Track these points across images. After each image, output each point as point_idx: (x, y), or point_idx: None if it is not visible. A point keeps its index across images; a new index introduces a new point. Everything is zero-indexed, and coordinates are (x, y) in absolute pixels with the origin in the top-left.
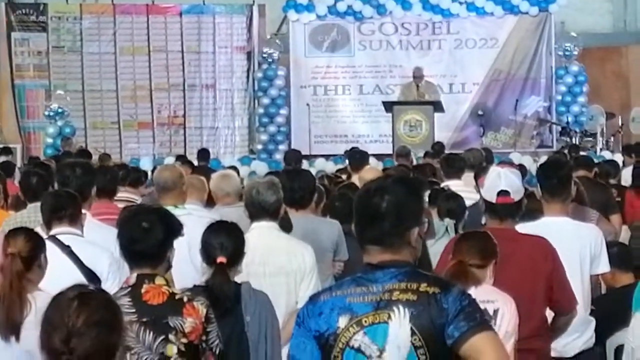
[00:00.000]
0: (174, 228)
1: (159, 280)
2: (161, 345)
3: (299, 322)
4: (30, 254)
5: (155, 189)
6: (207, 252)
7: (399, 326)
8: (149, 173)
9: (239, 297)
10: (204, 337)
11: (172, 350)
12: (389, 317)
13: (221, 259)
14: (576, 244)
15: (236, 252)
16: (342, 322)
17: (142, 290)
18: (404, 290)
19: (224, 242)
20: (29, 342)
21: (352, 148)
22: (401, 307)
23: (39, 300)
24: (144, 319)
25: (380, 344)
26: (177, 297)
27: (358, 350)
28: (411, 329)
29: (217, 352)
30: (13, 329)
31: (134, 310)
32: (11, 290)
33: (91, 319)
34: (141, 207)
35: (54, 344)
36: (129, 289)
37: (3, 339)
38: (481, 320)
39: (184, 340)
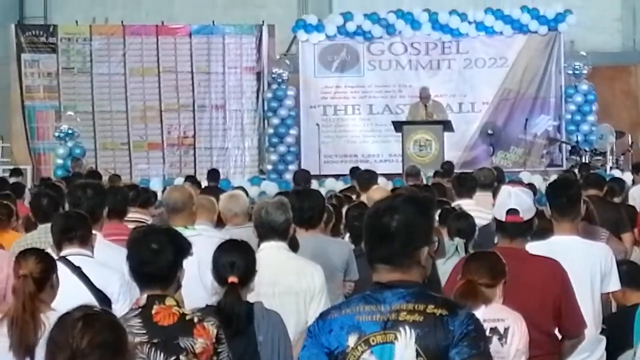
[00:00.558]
0: (184, 248)
1: (170, 301)
2: None
3: (311, 335)
4: (42, 275)
5: (165, 210)
6: (219, 272)
7: (405, 347)
8: (159, 193)
9: (251, 316)
10: (214, 358)
11: None
12: (396, 337)
13: (232, 279)
14: (586, 262)
15: (248, 271)
16: (351, 340)
17: (153, 312)
18: (410, 312)
19: (235, 262)
20: None
21: (356, 167)
22: (407, 328)
23: (52, 320)
24: (155, 340)
25: None
26: (187, 317)
27: None
28: (416, 350)
29: None
30: (27, 350)
31: (144, 332)
32: (24, 312)
33: (95, 341)
34: (150, 227)
35: None
36: (140, 310)
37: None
38: (484, 350)
39: None
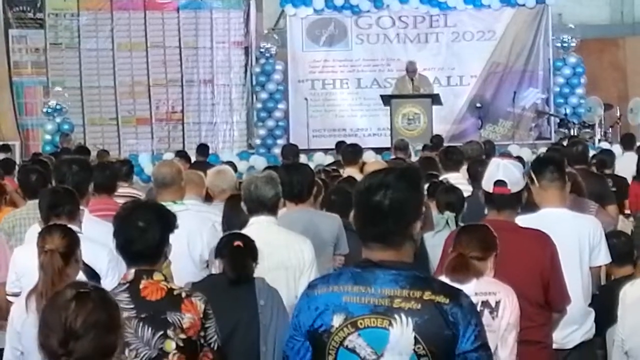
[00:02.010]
0: (170, 223)
1: (157, 276)
2: (160, 341)
3: (294, 314)
4: (68, 250)
5: (153, 185)
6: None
7: (401, 334)
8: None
9: (252, 284)
10: (202, 333)
11: (170, 345)
12: (390, 324)
13: (238, 243)
14: (575, 235)
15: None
16: (337, 321)
17: (141, 286)
18: (406, 299)
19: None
20: None
21: (342, 142)
22: (403, 316)
23: None
24: (143, 315)
25: (378, 349)
26: (175, 292)
27: (352, 351)
28: (415, 337)
29: (216, 347)
30: None
31: (132, 306)
32: (53, 287)
33: (89, 321)
34: (136, 204)
35: (52, 346)
36: (127, 284)
37: None
38: (486, 339)
39: (182, 335)
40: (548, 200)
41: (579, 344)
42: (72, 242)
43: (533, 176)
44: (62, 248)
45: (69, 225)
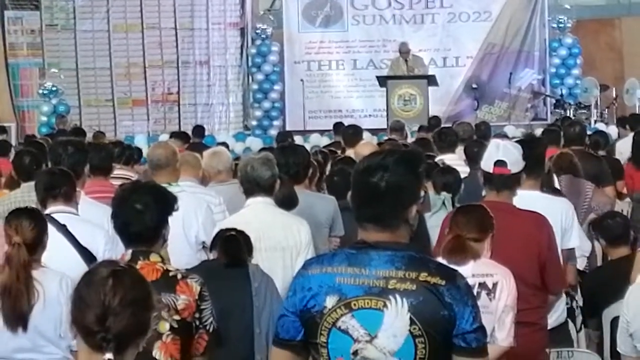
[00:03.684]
0: (169, 205)
1: (154, 257)
2: (154, 322)
3: (288, 293)
4: (36, 240)
5: (148, 167)
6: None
7: (396, 315)
8: (144, 150)
9: (246, 268)
10: (197, 315)
11: (164, 326)
12: (385, 305)
13: (231, 232)
14: (547, 217)
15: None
16: (330, 302)
17: (137, 267)
18: (401, 279)
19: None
20: (41, 327)
21: (340, 123)
22: (398, 297)
23: (45, 280)
24: None
25: (372, 330)
26: (171, 274)
27: (345, 331)
28: (410, 318)
29: (211, 330)
30: (19, 320)
31: None
32: (18, 282)
33: (127, 298)
34: (135, 185)
35: (89, 323)
36: None
37: (10, 330)
38: (481, 321)
39: (177, 317)
40: (524, 184)
41: (551, 329)
42: (41, 231)
43: None
44: (30, 240)
45: (36, 209)
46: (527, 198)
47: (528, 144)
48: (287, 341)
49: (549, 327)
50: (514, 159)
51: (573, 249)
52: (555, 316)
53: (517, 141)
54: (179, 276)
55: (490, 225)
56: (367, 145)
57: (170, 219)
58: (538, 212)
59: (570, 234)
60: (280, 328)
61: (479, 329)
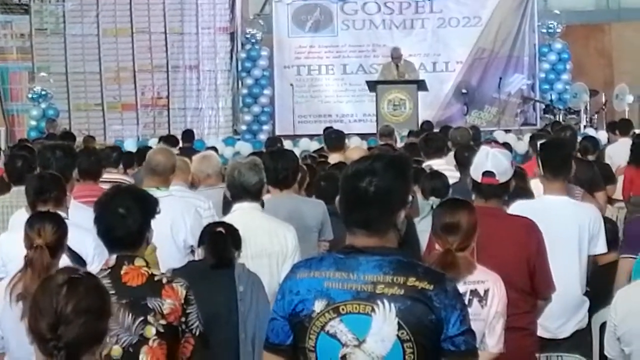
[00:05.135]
0: (151, 209)
1: (139, 262)
2: (140, 327)
3: (277, 297)
4: (58, 243)
5: (144, 168)
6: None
7: (384, 320)
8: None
9: (232, 270)
10: (183, 319)
11: (150, 331)
12: (373, 310)
13: (219, 229)
14: (575, 223)
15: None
16: (318, 306)
17: (122, 272)
18: (389, 284)
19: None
20: None
21: (329, 127)
22: (386, 302)
23: None
24: (123, 301)
25: (360, 335)
26: (156, 278)
27: (333, 336)
28: (398, 323)
29: (197, 333)
30: None
31: (113, 292)
32: None
33: (80, 306)
34: (116, 189)
35: (42, 330)
36: (109, 270)
37: None
38: (470, 324)
39: (163, 321)
40: (551, 187)
41: (572, 333)
42: (63, 234)
43: (539, 162)
44: (52, 242)
45: (58, 212)
46: (555, 204)
47: (555, 146)
48: (277, 345)
49: (569, 333)
50: (503, 169)
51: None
52: (576, 321)
53: (542, 144)
54: (165, 280)
55: (473, 226)
56: (357, 150)
57: (158, 223)
58: (527, 217)
59: (597, 240)
60: (271, 332)
61: (468, 331)
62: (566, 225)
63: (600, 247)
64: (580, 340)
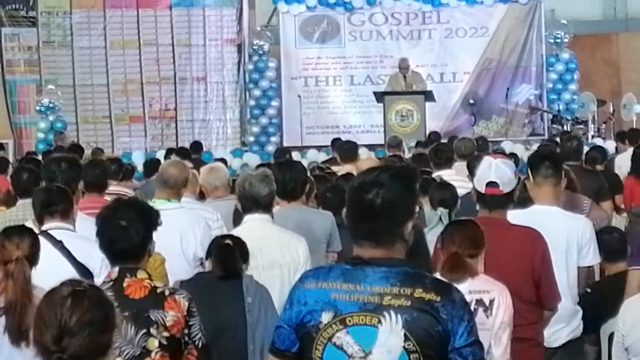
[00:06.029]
0: (152, 221)
1: (141, 274)
2: (143, 339)
3: (285, 306)
4: (34, 256)
5: (156, 179)
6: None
7: (390, 332)
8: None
9: (240, 282)
10: (186, 331)
11: (153, 344)
12: (379, 321)
13: (227, 242)
14: (564, 234)
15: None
16: (325, 317)
17: (124, 284)
18: (396, 296)
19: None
20: None
21: (337, 139)
22: (393, 313)
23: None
24: (126, 313)
25: (366, 347)
26: (158, 290)
27: (339, 347)
28: (405, 334)
29: (200, 345)
30: (23, 334)
31: (116, 304)
32: (23, 296)
33: (84, 319)
34: (118, 202)
35: (46, 342)
36: (111, 282)
37: (14, 344)
38: (477, 336)
39: (166, 334)
40: (541, 196)
41: (566, 342)
42: (38, 249)
43: (529, 171)
44: (30, 255)
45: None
46: (544, 214)
47: (544, 152)
48: (283, 351)
49: (563, 341)
50: (507, 179)
51: (591, 267)
52: (570, 330)
53: (531, 154)
54: (167, 292)
55: (483, 239)
56: (368, 160)
57: (168, 235)
58: (532, 227)
59: (588, 252)
60: (277, 338)
61: (475, 342)
62: (555, 235)
63: (590, 259)
64: (574, 349)
